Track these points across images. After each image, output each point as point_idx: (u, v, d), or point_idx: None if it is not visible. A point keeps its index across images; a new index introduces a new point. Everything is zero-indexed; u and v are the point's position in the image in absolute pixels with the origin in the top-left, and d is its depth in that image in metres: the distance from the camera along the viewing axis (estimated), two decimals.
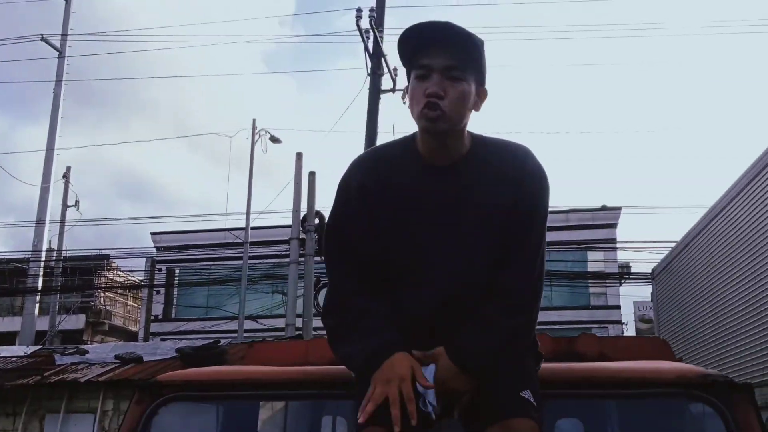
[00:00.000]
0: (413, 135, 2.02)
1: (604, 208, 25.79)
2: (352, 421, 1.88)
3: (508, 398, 1.80)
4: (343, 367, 2.04)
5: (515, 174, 1.94)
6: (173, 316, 27.25)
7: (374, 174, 1.98)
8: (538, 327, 2.05)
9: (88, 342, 24.17)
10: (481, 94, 1.98)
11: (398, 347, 1.83)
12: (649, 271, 13.29)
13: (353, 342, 1.88)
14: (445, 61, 1.88)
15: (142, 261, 26.34)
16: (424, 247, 1.93)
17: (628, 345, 3.13)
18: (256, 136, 19.53)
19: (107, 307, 29.76)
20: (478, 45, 1.93)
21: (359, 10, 14.71)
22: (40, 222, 19.77)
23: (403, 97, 2.13)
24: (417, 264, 1.93)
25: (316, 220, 14.21)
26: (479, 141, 2.01)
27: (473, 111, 1.96)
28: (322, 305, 2.03)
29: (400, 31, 1.98)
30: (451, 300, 1.91)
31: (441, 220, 1.93)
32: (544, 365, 2.25)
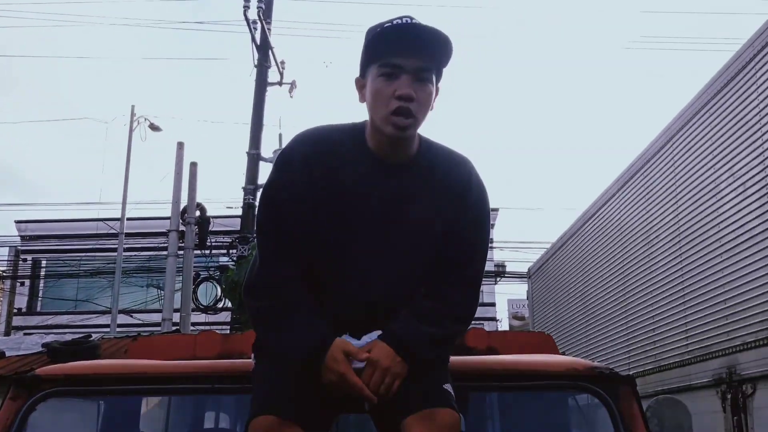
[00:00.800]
0: (362, 125, 1.96)
1: None
2: (238, 415, 1.84)
3: (432, 389, 1.82)
4: (232, 361, 2.04)
5: (460, 188, 1.95)
6: (39, 309, 25.75)
7: (320, 154, 1.90)
8: None
9: None
10: (435, 91, 1.94)
11: (329, 343, 1.80)
12: (525, 270, 13.81)
13: (289, 332, 1.83)
14: (417, 63, 1.84)
15: (5, 250, 24.76)
16: (356, 244, 1.89)
17: (516, 339, 3.24)
18: (135, 123, 18.77)
19: None
20: (450, 51, 1.90)
21: (247, 0, 14.45)
22: None
23: (358, 87, 2.02)
24: (346, 260, 1.89)
25: (197, 212, 13.82)
26: (426, 144, 1.98)
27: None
28: (246, 281, 1.92)
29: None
30: (372, 305, 1.89)
31: (380, 221, 1.89)
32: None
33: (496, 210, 26.22)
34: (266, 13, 14.58)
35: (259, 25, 14.28)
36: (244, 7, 14.41)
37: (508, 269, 24.47)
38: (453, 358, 2.34)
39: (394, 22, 1.86)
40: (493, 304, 26.14)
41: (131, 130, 18.63)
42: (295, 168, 1.89)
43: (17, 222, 26.11)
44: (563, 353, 3.07)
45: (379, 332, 1.86)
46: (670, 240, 6.58)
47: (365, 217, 1.89)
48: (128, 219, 18.67)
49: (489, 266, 25.07)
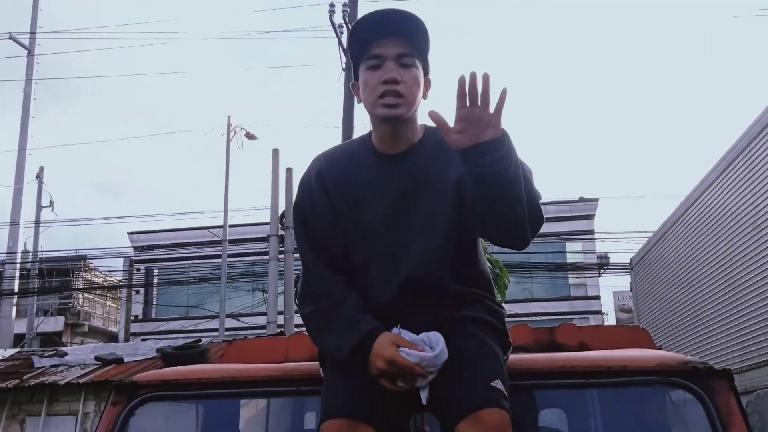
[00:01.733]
0: (369, 132, 2.09)
1: (581, 200, 25.98)
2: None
3: (480, 388, 1.79)
4: (316, 363, 2.09)
5: None
6: (153, 315, 27.05)
7: (332, 165, 2.05)
8: (518, 318, 2.06)
9: (68, 344, 23.94)
10: (427, 83, 2.03)
11: (378, 333, 1.85)
12: (628, 261, 13.39)
13: (334, 332, 1.90)
14: (396, 49, 1.94)
15: (120, 261, 26.11)
16: (383, 233, 1.96)
17: (608, 334, 3.13)
18: (232, 133, 19.40)
19: (86, 309, 29.49)
20: (425, 31, 1.99)
21: (332, 5, 14.66)
22: (14, 224, 19.51)
23: (355, 91, 2.15)
24: (375, 251, 1.97)
25: None
26: (432, 130, 2.02)
27: (422, 100, 2.01)
28: (297, 291, 2.09)
29: None
30: (415, 280, 1.93)
31: (398, 205, 1.97)
32: (524, 356, 2.25)
33: (596, 200, 25.56)
34: (351, 16, 14.75)
35: (345, 29, 14.46)
36: (330, 11, 14.65)
37: (611, 261, 23.79)
38: (537, 356, 2.30)
39: (368, 14, 1.98)
40: (597, 297, 25.49)
41: (228, 140, 19.28)
42: (312, 185, 2.04)
43: (130, 233, 27.51)
44: (660, 348, 2.95)
45: (437, 333, 1.86)
46: None
47: (381, 205, 1.96)
48: (230, 226, 19.33)
49: (591, 258, 24.46)
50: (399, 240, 1.96)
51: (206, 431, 2.43)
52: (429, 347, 1.84)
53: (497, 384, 1.81)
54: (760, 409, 2.07)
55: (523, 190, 1.83)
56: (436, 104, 1.96)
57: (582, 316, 24.20)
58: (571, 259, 25.11)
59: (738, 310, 7.23)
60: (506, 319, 2.11)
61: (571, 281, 25.40)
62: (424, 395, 1.83)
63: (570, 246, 25.32)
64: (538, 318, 21.54)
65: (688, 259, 8.71)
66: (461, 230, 1.97)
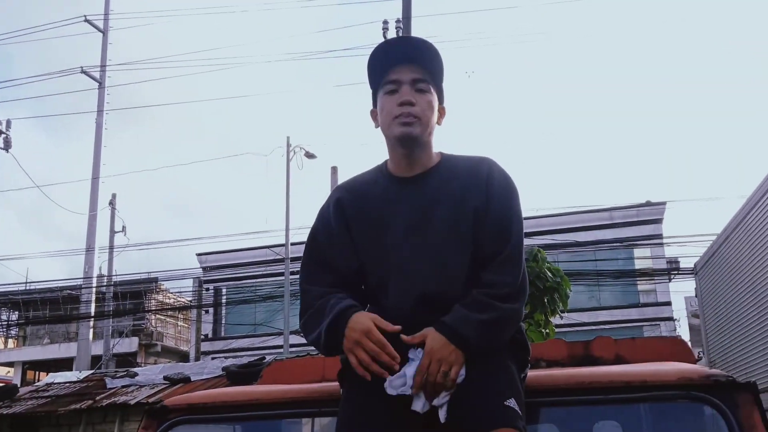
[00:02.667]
0: (384, 161, 2.16)
1: (648, 204, 25.36)
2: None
3: (492, 407, 1.79)
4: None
5: (481, 177, 2.03)
6: (222, 334, 27.63)
7: (349, 193, 2.13)
8: (586, 328, 2.07)
9: (142, 364, 24.66)
10: (441, 111, 2.12)
11: (355, 310, 1.88)
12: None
13: (318, 323, 1.94)
14: (411, 74, 2.03)
15: (190, 282, 26.79)
16: (397, 253, 1.99)
17: (645, 346, 3.07)
18: (291, 153, 19.73)
19: (158, 329, 30.34)
20: (440, 60, 2.08)
21: (385, 22, 14.82)
22: (89, 249, 20.28)
23: (374, 117, 2.16)
24: (392, 269, 1.99)
25: None
26: (447, 157, 2.12)
27: (437, 125, 2.09)
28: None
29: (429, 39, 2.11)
30: (428, 298, 1.95)
31: (413, 226, 2.00)
32: (543, 372, 2.24)
33: (663, 203, 24.92)
34: (405, 31, 14.85)
35: None
36: (383, 28, 14.80)
37: (681, 265, 23.11)
38: (557, 371, 2.29)
39: (383, 42, 2.10)
40: (668, 303, 24.77)
41: (288, 160, 19.61)
42: (330, 213, 2.11)
43: (198, 254, 28.22)
44: (698, 359, 2.88)
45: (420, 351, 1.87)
46: None
47: (398, 228, 2.01)
48: (292, 244, 19.62)
49: (661, 263, 23.82)
50: (415, 259, 1.98)
51: None
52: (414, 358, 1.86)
53: (511, 403, 1.81)
54: None
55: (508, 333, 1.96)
56: (450, 131, 2.04)
57: (653, 323, 23.57)
58: (639, 264, 24.50)
59: None
60: (575, 329, 2.12)
61: (639, 288, 24.77)
62: (442, 414, 1.82)
63: (638, 251, 24.73)
64: (606, 327, 21.10)
65: (753, 261, 8.41)
66: (472, 255, 1.99)
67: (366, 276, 2.06)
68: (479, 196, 2.00)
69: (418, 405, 1.84)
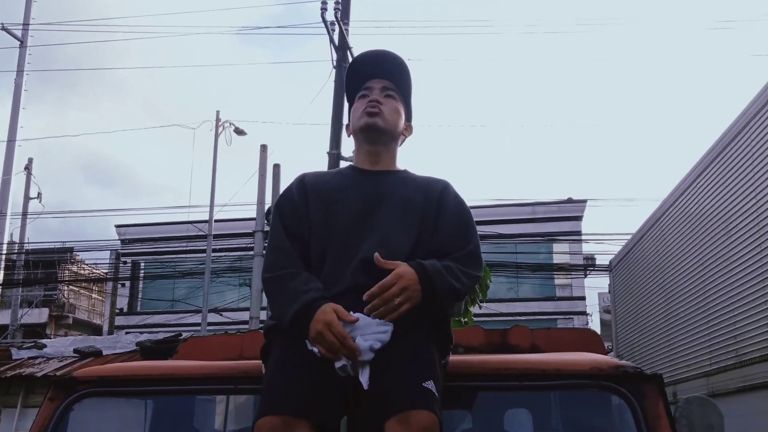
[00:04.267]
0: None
1: (569, 201, 26.04)
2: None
3: (410, 388, 1.80)
4: (257, 362, 2.12)
5: (436, 189, 2.19)
6: (138, 309, 26.98)
7: (315, 176, 2.27)
8: (503, 318, 2.13)
9: (51, 335, 23.86)
10: (408, 129, 2.31)
11: (322, 302, 1.91)
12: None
13: (283, 300, 1.98)
14: (382, 82, 2.23)
15: (107, 254, 26.04)
16: (347, 230, 2.07)
17: (560, 337, 3.16)
18: (220, 128, 19.35)
19: (71, 301, 29.38)
20: (408, 74, 2.29)
21: (324, 2, 14.63)
22: (1, 215, 19.43)
23: (348, 131, 2.36)
24: (338, 243, 2.06)
25: None
26: (407, 171, 2.28)
27: (402, 137, 2.28)
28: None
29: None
30: (367, 263, 1.98)
31: (362, 210, 2.09)
32: (460, 358, 2.27)
33: (584, 201, 25.62)
34: (344, 14, 14.73)
35: (336, 27, 14.44)
36: (322, 9, 14.62)
37: (597, 262, 23.87)
38: (473, 357, 2.33)
39: (360, 55, 2.31)
40: (582, 298, 25.56)
41: (216, 135, 19.23)
42: (293, 188, 2.23)
43: (117, 226, 27.44)
44: (609, 351, 2.98)
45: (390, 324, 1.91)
46: (751, 228, 6.27)
47: (350, 208, 2.10)
48: (216, 221, 19.29)
49: (577, 260, 24.54)
50: (359, 235, 2.06)
51: (144, 428, 2.44)
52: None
53: (429, 385, 1.83)
54: (687, 414, 2.11)
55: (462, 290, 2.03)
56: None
57: (566, 316, 24.27)
58: (557, 259, 25.17)
59: (707, 312, 7.29)
60: (493, 318, 2.18)
61: (556, 282, 25.47)
62: (364, 380, 1.84)
63: (557, 246, 25.38)
64: (522, 318, 21.57)
65: (664, 261, 8.75)
66: (416, 245, 2.08)
67: (312, 245, 2.10)
68: (431, 201, 2.14)
69: (339, 364, 1.85)
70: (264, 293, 2.14)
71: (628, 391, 2.05)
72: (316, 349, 1.88)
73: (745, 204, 6.41)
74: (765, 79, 6.11)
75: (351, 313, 1.90)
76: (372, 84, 2.21)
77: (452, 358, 2.21)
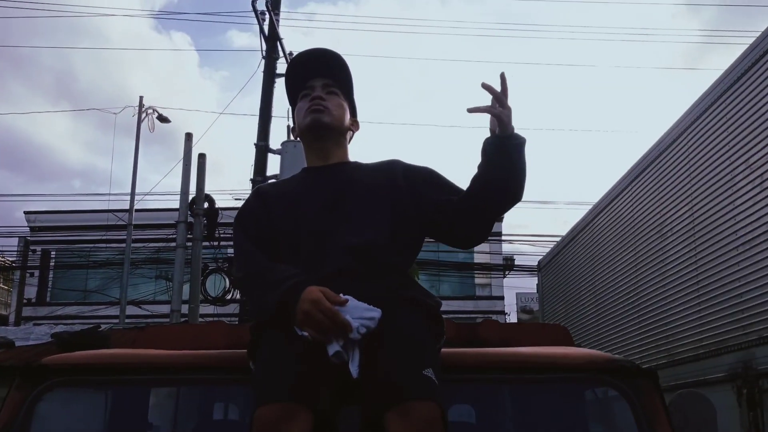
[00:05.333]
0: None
1: None
2: (247, 405, 1.81)
3: (410, 377, 1.72)
4: (239, 351, 2.05)
5: (397, 165, 2.21)
6: (48, 299, 25.84)
7: (271, 186, 2.32)
8: None
9: None
10: (354, 124, 2.31)
11: (306, 285, 1.84)
12: (534, 263, 13.76)
13: (264, 289, 1.91)
14: (323, 80, 2.22)
15: (14, 241, 24.83)
16: (314, 227, 2.03)
17: (530, 331, 3.16)
18: (143, 114, 18.74)
19: None
20: (347, 69, 2.28)
21: None
22: None
23: (294, 132, 2.45)
24: (308, 239, 2.02)
25: (205, 204, 13.77)
26: (359, 162, 2.28)
27: (350, 132, 2.27)
28: (232, 277, 2.10)
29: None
30: (347, 250, 1.97)
31: (329, 203, 2.07)
32: (454, 350, 2.22)
33: None
34: (274, 4, 14.54)
35: (267, 16, 14.23)
36: None
37: (516, 263, 24.41)
38: (468, 350, 2.29)
39: (298, 54, 2.28)
40: (501, 298, 26.10)
41: (139, 121, 18.64)
42: (251, 199, 2.24)
43: (26, 213, 26.23)
44: (578, 346, 3.00)
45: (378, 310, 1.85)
46: (684, 233, 6.49)
47: (313, 206, 2.08)
48: (137, 210, 18.70)
49: (497, 260, 25.03)
50: (332, 227, 2.01)
51: (118, 417, 2.29)
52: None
53: (429, 373, 1.75)
54: (683, 408, 2.13)
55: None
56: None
57: (485, 315, 24.68)
58: (478, 259, 25.60)
59: (639, 313, 7.52)
60: None
61: (476, 281, 25.90)
62: (353, 368, 1.75)
63: (478, 246, 25.83)
64: (443, 316, 21.82)
65: (595, 263, 8.99)
66: (394, 225, 2.06)
67: (282, 247, 2.06)
68: (395, 176, 2.14)
69: (332, 350, 1.76)
70: (241, 292, 2.10)
71: (625, 386, 2.05)
72: (306, 334, 1.79)
73: (680, 209, 6.64)
74: (703, 87, 6.34)
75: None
76: (313, 83, 2.21)
77: (444, 350, 2.16)
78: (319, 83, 2.20)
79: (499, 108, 1.96)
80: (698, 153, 6.36)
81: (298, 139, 2.27)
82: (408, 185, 2.13)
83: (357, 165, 2.24)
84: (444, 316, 2.13)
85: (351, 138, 2.30)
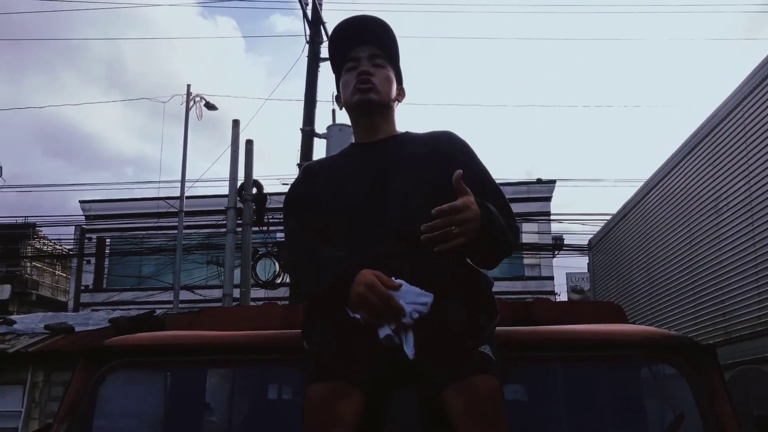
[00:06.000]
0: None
1: (539, 182, 26.24)
2: (300, 381, 1.83)
3: (466, 354, 1.71)
4: (293, 331, 2.08)
5: (442, 142, 2.14)
6: (104, 286, 26.53)
7: (319, 163, 2.29)
8: None
9: (15, 312, 23.34)
10: (401, 91, 2.24)
11: (360, 268, 1.83)
12: (584, 242, 13.57)
13: (316, 272, 1.91)
14: (370, 50, 2.16)
15: (71, 230, 25.50)
16: (362, 207, 2.02)
17: (584, 310, 3.12)
18: (191, 102, 18.98)
19: (34, 277, 28.74)
20: (394, 38, 2.21)
21: None
22: None
23: (338, 100, 2.29)
24: (356, 221, 2.01)
25: (254, 189, 13.93)
26: (408, 132, 2.24)
27: (397, 102, 2.21)
28: (281, 261, 2.10)
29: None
30: (393, 230, 1.96)
31: (375, 182, 2.06)
32: (509, 328, 2.21)
33: (553, 182, 25.85)
34: None
35: (310, 2, 14.26)
36: None
37: (565, 242, 24.13)
38: (523, 328, 2.27)
39: (342, 22, 2.19)
40: (551, 278, 25.85)
41: (187, 109, 18.88)
42: (300, 179, 2.24)
43: (81, 202, 26.89)
44: (633, 323, 2.95)
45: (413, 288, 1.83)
46: (741, 207, 6.32)
47: (360, 186, 2.06)
48: (187, 197, 18.99)
49: (546, 239, 24.79)
50: (377, 209, 2.01)
51: (178, 397, 2.34)
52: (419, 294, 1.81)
53: (486, 350, 1.74)
54: (742, 384, 2.09)
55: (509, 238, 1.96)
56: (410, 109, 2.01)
57: (535, 296, 24.52)
58: (526, 239, 25.37)
59: (695, 290, 7.37)
60: None
61: (525, 261, 25.69)
62: (409, 349, 1.75)
63: (526, 226, 25.57)
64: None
65: (649, 240, 8.82)
66: (435, 200, 1.94)
67: (331, 229, 2.05)
68: (440, 156, 2.08)
69: (383, 333, 1.76)
70: (291, 276, 2.11)
71: (684, 362, 2.01)
72: (358, 316, 1.79)
73: (737, 182, 6.46)
74: (759, 58, 6.13)
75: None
76: (358, 53, 2.15)
77: (498, 329, 2.15)
78: (365, 53, 2.15)
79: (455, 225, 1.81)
80: (756, 125, 6.17)
81: (343, 109, 2.23)
82: (448, 165, 2.00)
83: (404, 138, 2.19)
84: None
85: (397, 105, 2.25)
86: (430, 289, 1.85)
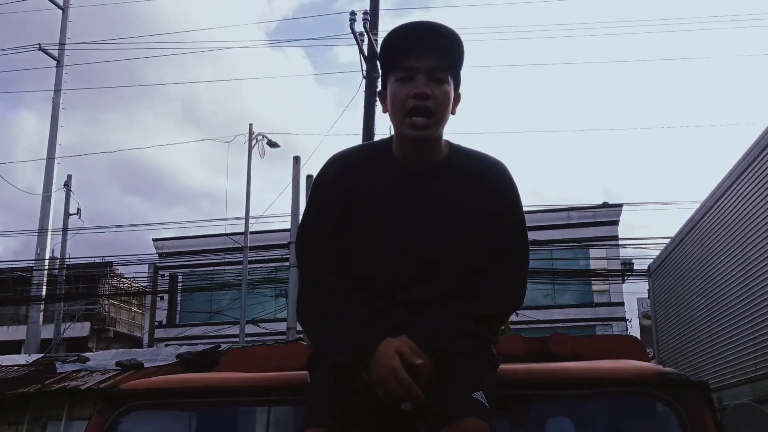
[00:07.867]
0: (390, 138, 2.03)
1: (605, 205, 25.76)
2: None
3: (459, 399, 1.78)
4: (302, 372, 2.07)
5: (490, 187, 1.97)
6: (177, 321, 27.31)
7: (350, 168, 2.00)
8: (541, 325, 2.08)
9: (93, 349, 24.22)
10: (457, 98, 1.98)
11: (382, 337, 1.80)
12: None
13: (335, 336, 1.87)
14: (430, 62, 1.89)
15: (145, 267, 26.39)
16: (396, 256, 1.94)
17: (601, 344, 3.13)
18: (254, 141, 19.53)
19: (111, 314, 29.82)
20: (461, 47, 1.95)
21: (353, 14, 14.77)
22: (42, 231, 19.83)
23: (382, 99, 1.99)
24: (387, 271, 1.95)
25: None
26: (456, 150, 2.03)
27: (450, 115, 1.97)
28: (296, 301, 2.04)
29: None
30: (418, 257, 1.92)
31: (411, 214, 1.94)
32: (504, 366, 2.26)
33: (620, 205, 25.33)
34: (372, 24, 14.82)
35: (366, 37, 14.52)
36: (351, 20, 14.75)
37: (635, 267, 23.53)
38: (515, 366, 2.32)
39: (404, 24, 1.95)
40: (621, 304, 25.21)
41: (250, 148, 19.42)
42: (327, 188, 2.01)
43: (155, 240, 27.83)
44: (651, 358, 2.94)
45: None
46: None
47: (394, 219, 1.94)
48: (252, 233, 19.45)
49: (615, 264, 24.23)
50: (405, 240, 1.94)
51: None
52: None
53: (479, 396, 1.81)
54: (735, 421, 2.07)
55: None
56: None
57: (605, 322, 23.96)
58: (594, 265, 24.88)
59: (754, 316, 7.13)
60: (530, 326, 2.12)
61: (594, 287, 25.18)
62: (406, 404, 1.81)
63: (594, 252, 25.08)
64: (560, 325, 21.37)
65: (705, 265, 8.60)
66: (463, 246, 1.95)
67: (353, 265, 1.98)
68: (485, 202, 1.95)
69: (404, 405, 1.81)
70: (306, 333, 2.02)
71: (673, 399, 2.02)
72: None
73: None
74: None
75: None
76: (416, 63, 1.88)
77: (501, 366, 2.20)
78: (426, 65, 1.87)
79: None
80: None
81: (385, 113, 1.99)
82: (485, 216, 1.95)
83: (451, 168, 1.98)
84: (561, 324, 2.14)
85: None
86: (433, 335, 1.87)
